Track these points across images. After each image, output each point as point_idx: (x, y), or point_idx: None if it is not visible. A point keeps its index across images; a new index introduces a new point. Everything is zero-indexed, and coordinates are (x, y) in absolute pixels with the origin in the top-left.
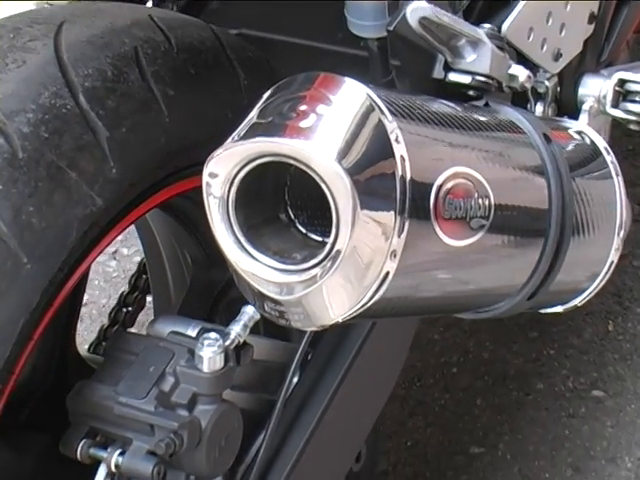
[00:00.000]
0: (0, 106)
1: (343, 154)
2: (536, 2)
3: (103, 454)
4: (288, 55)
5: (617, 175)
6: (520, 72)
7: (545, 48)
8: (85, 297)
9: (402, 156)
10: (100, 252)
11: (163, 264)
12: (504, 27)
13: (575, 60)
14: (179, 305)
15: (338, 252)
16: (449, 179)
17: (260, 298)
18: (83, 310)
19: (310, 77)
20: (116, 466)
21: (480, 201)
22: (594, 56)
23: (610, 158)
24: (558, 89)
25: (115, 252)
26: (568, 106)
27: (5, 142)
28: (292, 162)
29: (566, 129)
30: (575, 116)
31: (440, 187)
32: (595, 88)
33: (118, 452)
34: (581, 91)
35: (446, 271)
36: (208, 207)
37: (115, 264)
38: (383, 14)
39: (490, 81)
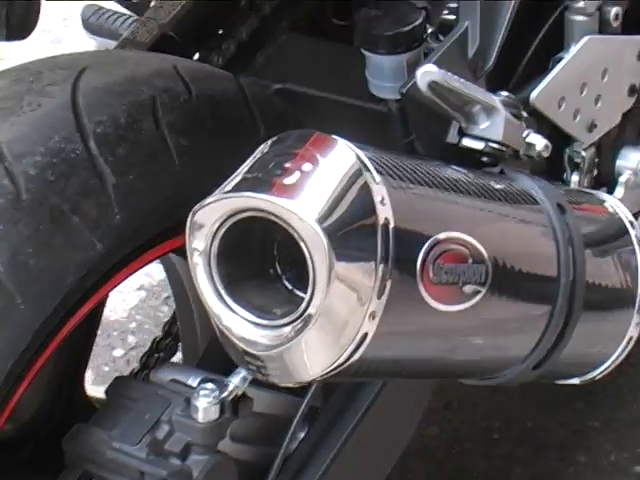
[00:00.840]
0: (9, 148)
1: (322, 213)
2: (569, 72)
3: None
4: (327, 111)
5: None
6: (537, 141)
7: (578, 118)
8: (134, 340)
9: (386, 218)
10: (101, 298)
11: (191, 311)
12: (532, 95)
13: (614, 131)
14: (200, 354)
15: (313, 310)
16: (439, 243)
17: (239, 352)
18: (132, 353)
19: (304, 135)
20: None
21: (475, 267)
22: (635, 128)
23: (635, 232)
24: (596, 160)
25: (167, 297)
26: (606, 177)
27: (10, 183)
28: (272, 218)
29: (591, 201)
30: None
31: (429, 251)
32: (633, 161)
33: None
34: (619, 163)
35: (436, 336)
36: (190, 259)
37: (167, 309)
38: (402, 75)
39: (504, 148)
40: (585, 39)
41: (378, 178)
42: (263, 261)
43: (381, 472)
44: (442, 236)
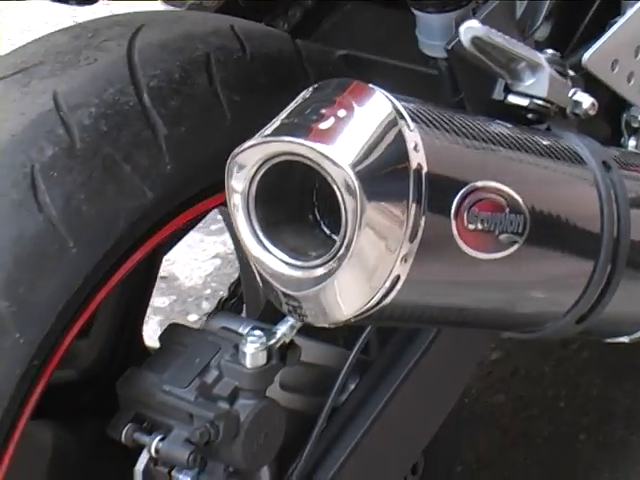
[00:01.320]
0: (65, 99)
1: (355, 157)
2: (623, 35)
3: (146, 439)
4: (386, 75)
5: None
6: (584, 99)
7: (632, 82)
8: (208, 306)
9: (419, 164)
10: (154, 246)
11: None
12: (585, 57)
13: None
14: (261, 309)
15: (345, 251)
16: (475, 191)
17: (277, 293)
18: None
19: (342, 84)
20: (156, 451)
21: (513, 217)
22: None
23: None
24: None
25: None
26: None
27: (65, 132)
28: (307, 162)
29: None
30: None
31: (464, 198)
32: None
33: (159, 438)
34: None
35: (471, 283)
36: (230, 200)
37: None
38: (450, 33)
39: (549, 105)
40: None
41: (412, 126)
42: (302, 206)
43: (430, 424)
44: (478, 184)
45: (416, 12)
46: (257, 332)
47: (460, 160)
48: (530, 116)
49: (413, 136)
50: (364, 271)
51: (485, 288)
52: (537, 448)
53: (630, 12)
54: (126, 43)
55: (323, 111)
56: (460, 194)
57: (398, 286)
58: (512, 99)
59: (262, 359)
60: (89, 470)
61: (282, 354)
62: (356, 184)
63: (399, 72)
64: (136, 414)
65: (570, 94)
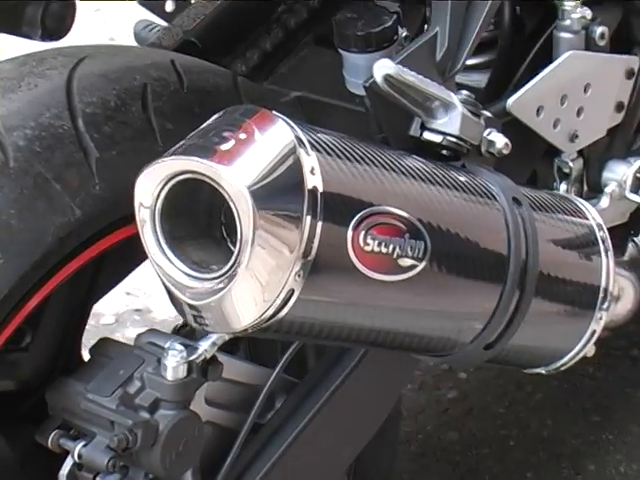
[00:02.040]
0: (3, 121)
1: (250, 176)
2: (549, 83)
3: (70, 445)
4: (335, 116)
5: (606, 251)
6: (498, 139)
7: (559, 128)
8: None
9: (315, 186)
10: (82, 265)
11: None
12: (509, 102)
13: (601, 144)
14: None
15: (239, 266)
16: (373, 215)
17: (181, 303)
18: None
19: (249, 110)
20: (79, 456)
21: (413, 242)
22: (624, 143)
23: (602, 234)
24: (584, 170)
25: None
26: (593, 188)
27: (0, 152)
28: (207, 180)
29: (563, 202)
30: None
31: (361, 221)
32: (619, 173)
33: (82, 444)
34: (605, 174)
35: (371, 303)
36: (138, 214)
37: None
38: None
39: (461, 143)
40: (568, 53)
41: (311, 151)
42: (210, 223)
43: (354, 445)
44: (376, 209)
45: (342, 52)
46: (179, 347)
47: (358, 185)
48: (445, 152)
49: (310, 161)
50: (258, 284)
51: (383, 309)
52: None
53: (556, 62)
54: (67, 72)
55: (227, 134)
56: (357, 217)
57: (292, 300)
58: (427, 135)
59: (182, 372)
60: (22, 477)
61: (204, 369)
62: (249, 202)
63: (347, 113)
64: (63, 421)
65: (485, 133)
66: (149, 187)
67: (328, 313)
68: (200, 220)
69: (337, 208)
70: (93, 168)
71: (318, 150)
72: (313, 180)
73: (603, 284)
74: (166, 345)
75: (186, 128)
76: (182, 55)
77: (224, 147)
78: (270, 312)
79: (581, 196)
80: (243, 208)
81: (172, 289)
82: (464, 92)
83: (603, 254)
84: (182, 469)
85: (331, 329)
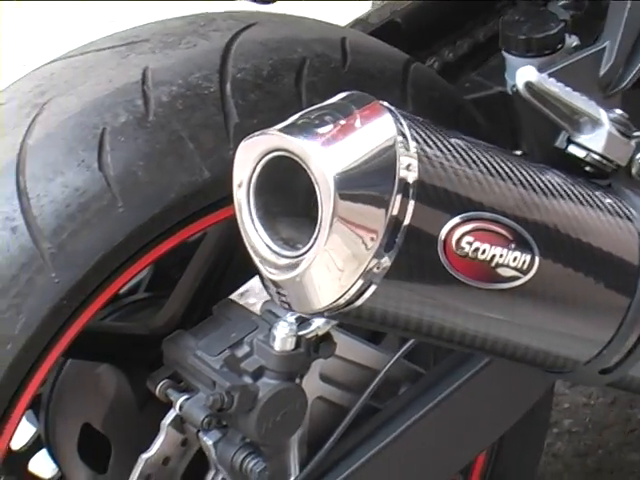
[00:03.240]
0: (153, 74)
1: (339, 163)
2: None
3: (175, 396)
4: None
5: None
6: None
7: None
8: None
9: (407, 183)
10: (210, 225)
11: None
12: None
13: None
14: None
15: (315, 247)
16: (472, 220)
17: (268, 282)
18: None
19: (362, 99)
20: (180, 409)
21: (517, 253)
22: None
23: None
24: None
25: None
26: None
27: (143, 104)
28: (297, 160)
29: None
30: None
31: (457, 224)
32: None
33: (185, 397)
34: None
35: (465, 307)
36: (235, 186)
37: None
38: None
39: (605, 162)
40: None
41: (412, 148)
42: (306, 203)
43: (467, 449)
44: (478, 214)
45: (504, 53)
46: (290, 319)
47: (458, 187)
48: (588, 169)
49: (409, 157)
50: (333, 270)
51: (479, 315)
52: None
53: None
54: (230, 35)
55: (329, 118)
56: (453, 219)
57: (369, 292)
58: (571, 149)
59: (290, 345)
60: (139, 419)
61: (316, 345)
62: (332, 188)
63: None
64: (174, 372)
65: (638, 156)
66: (247, 159)
67: (412, 309)
68: (296, 198)
69: (429, 207)
70: (230, 133)
71: (422, 147)
72: (407, 176)
73: None
74: (287, 316)
75: None
76: (361, 34)
77: (321, 130)
78: (344, 300)
79: None
80: (325, 193)
81: (256, 261)
82: (618, 111)
83: None
84: (279, 438)
85: (418, 326)
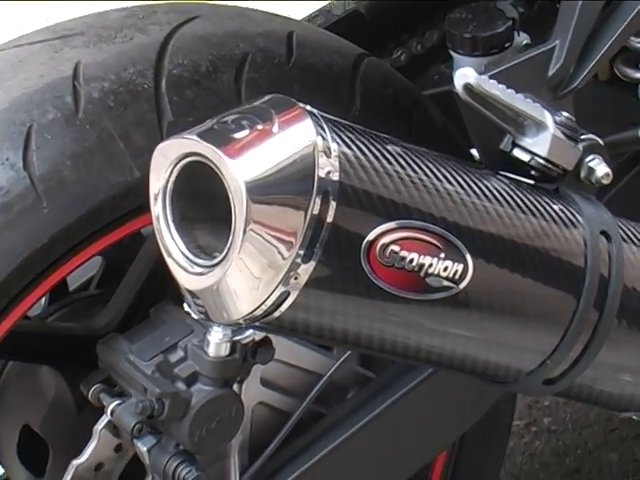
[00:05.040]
0: (85, 69)
1: (253, 170)
2: None
3: (107, 401)
4: None
5: None
6: (599, 168)
7: None
8: None
9: (327, 191)
10: (141, 227)
11: None
12: None
13: None
14: None
15: (229, 258)
16: (397, 230)
17: (182, 288)
18: None
19: (283, 102)
20: (111, 414)
21: (449, 263)
22: None
23: None
24: None
25: None
26: None
27: (72, 101)
28: (212, 166)
29: None
30: None
31: (381, 234)
32: None
33: (117, 403)
34: None
35: (392, 317)
36: (151, 189)
37: None
38: None
39: (550, 166)
40: None
41: (334, 155)
42: (224, 209)
43: (414, 458)
44: (404, 223)
45: (451, 52)
46: None
47: (384, 196)
48: (534, 173)
49: (329, 164)
50: (248, 280)
51: (409, 325)
52: None
53: None
54: (169, 29)
55: (247, 123)
56: (375, 229)
57: (287, 303)
58: (516, 153)
59: (225, 350)
60: (78, 421)
61: (254, 350)
62: (244, 197)
63: None
64: (109, 376)
65: (587, 159)
66: (162, 164)
67: (336, 320)
68: (215, 204)
69: (351, 213)
70: (164, 131)
71: (344, 152)
72: (327, 181)
73: None
74: None
75: None
76: (313, 28)
77: (237, 135)
78: (261, 310)
79: None
80: (237, 199)
81: (173, 269)
82: (564, 114)
83: None
84: (214, 446)
85: (345, 336)
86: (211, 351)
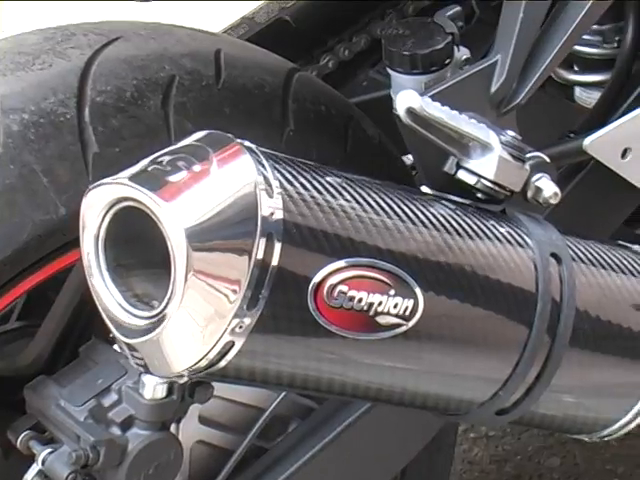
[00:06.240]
0: (3, 101)
1: (191, 216)
2: None
3: (37, 449)
4: None
5: None
6: (546, 187)
7: None
8: None
9: (270, 234)
10: (68, 265)
11: None
12: (586, 141)
13: None
14: None
15: (168, 309)
16: (344, 269)
17: (118, 341)
18: None
19: (220, 140)
20: (43, 463)
21: (399, 300)
22: None
23: None
24: None
25: None
26: None
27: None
28: (148, 212)
29: (628, 259)
30: None
31: (327, 275)
32: None
33: (48, 451)
34: None
35: (343, 360)
36: (81, 236)
37: None
38: None
39: (497, 188)
40: None
41: (276, 194)
42: (161, 254)
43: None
44: (352, 261)
45: (390, 71)
46: None
47: (330, 236)
48: (480, 196)
49: (272, 204)
50: (190, 331)
51: (360, 365)
52: None
53: None
54: (90, 53)
55: (182, 164)
56: (321, 270)
57: (232, 353)
58: (461, 175)
59: (161, 392)
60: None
61: (191, 390)
62: (184, 244)
63: None
64: (38, 422)
65: (534, 178)
66: (94, 208)
67: (283, 365)
68: (151, 248)
69: (296, 255)
70: (89, 164)
71: (287, 189)
72: (270, 222)
73: None
74: None
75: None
76: (240, 43)
77: (173, 179)
78: (206, 361)
79: None
80: (177, 247)
81: (107, 322)
82: (510, 133)
83: None
84: None
85: (292, 381)
86: (147, 393)
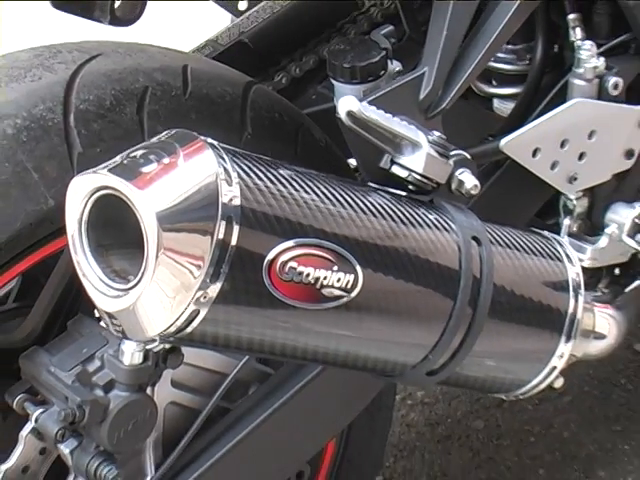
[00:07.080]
0: None
1: (162, 202)
2: (548, 127)
3: (31, 409)
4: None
5: (576, 293)
6: (467, 180)
7: (557, 170)
8: None
9: (230, 217)
10: (56, 251)
11: None
12: (502, 142)
13: (608, 187)
14: None
15: (142, 282)
16: (295, 247)
17: (99, 309)
18: None
19: (185, 137)
20: (36, 421)
21: (341, 275)
22: (632, 188)
23: (574, 276)
24: (588, 209)
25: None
26: (596, 226)
27: None
28: (123, 198)
29: (537, 242)
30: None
31: (280, 252)
32: (621, 216)
33: (40, 411)
34: (608, 215)
35: (292, 327)
36: (67, 221)
37: None
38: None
39: (425, 180)
40: (573, 101)
41: (235, 183)
42: (136, 235)
43: (310, 443)
44: (300, 241)
45: (333, 81)
46: None
47: (281, 218)
48: (411, 187)
49: (231, 191)
50: (160, 301)
51: (307, 332)
52: (499, 474)
53: (559, 108)
54: (74, 67)
55: (154, 157)
56: (274, 249)
57: (197, 320)
58: (395, 170)
59: (138, 359)
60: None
61: (164, 357)
62: (155, 226)
63: None
64: (31, 386)
65: (457, 172)
66: (77, 196)
67: (242, 332)
68: (127, 230)
69: (252, 235)
70: (74, 162)
71: (244, 179)
72: (230, 207)
73: (566, 327)
74: None
75: None
76: (204, 60)
77: (145, 170)
78: (174, 328)
79: (587, 233)
80: (149, 229)
81: (90, 293)
82: (436, 133)
83: (571, 296)
84: (131, 446)
85: (250, 345)
86: (125, 360)
